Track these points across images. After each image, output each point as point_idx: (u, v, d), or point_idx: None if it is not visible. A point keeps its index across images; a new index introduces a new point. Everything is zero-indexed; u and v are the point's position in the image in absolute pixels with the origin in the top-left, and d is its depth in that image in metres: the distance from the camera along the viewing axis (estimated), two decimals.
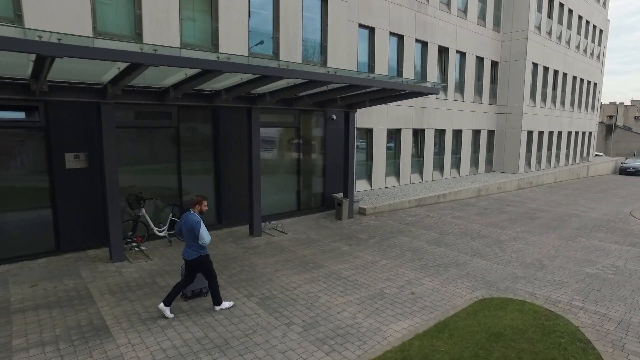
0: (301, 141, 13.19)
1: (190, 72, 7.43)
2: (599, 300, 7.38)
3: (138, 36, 9.61)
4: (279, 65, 7.17)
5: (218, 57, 6.76)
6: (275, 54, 12.23)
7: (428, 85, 10.35)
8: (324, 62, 13.40)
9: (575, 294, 7.68)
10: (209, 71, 6.86)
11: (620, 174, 34.73)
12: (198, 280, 6.91)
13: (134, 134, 10.02)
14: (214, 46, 10.92)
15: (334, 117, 13.53)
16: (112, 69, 6.99)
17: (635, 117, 69.01)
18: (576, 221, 14.28)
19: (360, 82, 8.77)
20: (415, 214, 14.28)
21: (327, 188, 13.95)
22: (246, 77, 8.14)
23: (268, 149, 12.73)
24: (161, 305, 6.41)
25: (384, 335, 5.99)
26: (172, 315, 6.39)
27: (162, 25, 9.85)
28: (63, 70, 7.07)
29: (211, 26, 10.88)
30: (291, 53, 12.39)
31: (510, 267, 9.11)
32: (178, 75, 7.79)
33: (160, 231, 9.89)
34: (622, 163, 35.63)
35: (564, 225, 13.61)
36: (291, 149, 13.10)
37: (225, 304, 6.78)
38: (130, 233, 9.53)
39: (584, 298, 7.48)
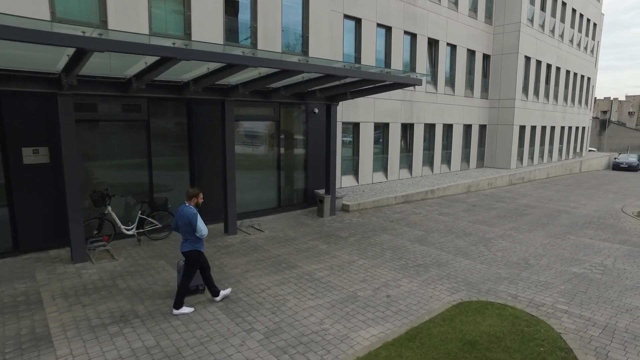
0: (282, 135, 12.71)
1: (150, 60, 6.93)
2: (584, 303, 6.97)
3: (103, 24, 9.07)
4: (243, 52, 6.66)
5: (174, 44, 6.27)
6: (254, 45, 11.71)
7: (410, 76, 9.87)
8: (306, 54, 12.89)
9: (560, 296, 7.26)
10: (166, 59, 6.36)
11: (613, 169, 34.44)
12: (195, 277, 6.67)
13: (101, 128, 9.50)
14: (187, 35, 10.40)
15: (316, 110, 13.04)
16: (63, 57, 6.47)
17: (629, 112, 68.82)
18: (566, 218, 13.89)
19: (336, 72, 8.28)
20: (400, 211, 13.84)
21: (309, 184, 13.48)
22: (213, 66, 7.63)
23: (247, 143, 12.24)
24: (174, 311, 6.22)
25: (351, 343, 5.55)
26: (193, 309, 6.35)
27: (130, 13, 9.32)
28: (15, 57, 6.57)
29: (184, 14, 10.35)
30: (270, 43, 11.88)
31: (494, 267, 8.69)
32: (139, 64, 7.29)
33: (128, 230, 9.40)
34: (615, 158, 35.34)
35: (554, 222, 13.21)
36: (271, 144, 12.61)
37: (185, 309, 6.35)
38: (95, 232, 9.03)
39: (569, 300, 7.06)
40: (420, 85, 10.10)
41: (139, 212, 9.58)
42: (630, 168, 33.46)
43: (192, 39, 10.33)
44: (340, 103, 15.47)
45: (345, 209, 13.32)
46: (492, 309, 6.46)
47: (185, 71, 8.19)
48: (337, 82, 10.00)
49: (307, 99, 11.28)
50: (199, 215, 6.13)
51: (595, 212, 14.95)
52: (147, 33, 9.51)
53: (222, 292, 6.80)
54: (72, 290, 7.04)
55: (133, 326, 5.88)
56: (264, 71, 8.35)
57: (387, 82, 9.94)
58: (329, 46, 13.75)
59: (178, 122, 10.69)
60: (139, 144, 10.00)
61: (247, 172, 12.09)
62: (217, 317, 6.24)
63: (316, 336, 5.72)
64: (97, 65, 7.20)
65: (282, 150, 12.75)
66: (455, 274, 8.21)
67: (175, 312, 6.26)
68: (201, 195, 6.38)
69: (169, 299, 6.76)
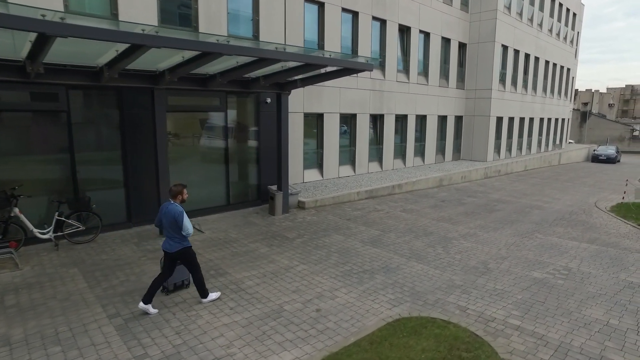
0: (230, 127, 11.69)
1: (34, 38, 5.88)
2: (540, 316, 6.16)
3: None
4: (143, 31, 5.65)
5: (62, 19, 5.24)
6: (195, 28, 10.64)
7: (359, 60, 8.93)
8: (256, 39, 11.85)
9: (515, 307, 6.44)
10: (46, 36, 5.32)
11: (592, 161, 34.08)
12: (179, 273, 6.59)
13: (8, 119, 8.41)
14: (114, 15, 9.30)
15: (269, 100, 12.04)
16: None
17: (609, 104, 68.86)
18: (537, 214, 13.16)
19: (269, 56, 7.32)
20: (362, 208, 12.96)
21: (262, 179, 12.51)
22: (121, 47, 6.60)
23: (190, 136, 11.22)
24: (141, 304, 5.95)
25: None
26: (157, 311, 6.04)
27: None
28: None
29: None
30: (214, 26, 10.82)
31: (448, 273, 7.85)
32: (27, 45, 6.24)
33: (43, 233, 8.36)
34: (594, 150, 34.97)
35: (524, 218, 12.46)
36: (218, 136, 11.58)
37: (212, 295, 6.42)
38: None
39: (524, 313, 6.25)
40: (371, 70, 9.17)
41: (56, 214, 8.52)
42: (609, 160, 33.11)
43: (120, 19, 9.24)
44: (303, 93, 14.53)
45: (301, 206, 12.39)
46: (431, 327, 5.59)
47: (100, 55, 7.16)
48: (279, 69, 9.06)
49: (252, 87, 10.27)
50: (185, 213, 5.93)
51: (568, 208, 14.26)
52: (62, 10, 8.39)
53: (147, 307, 6.21)
54: None
55: None
56: (187, 54, 7.35)
57: (337, 68, 9.00)
58: (285, 32, 12.73)
59: (107, 112, 9.62)
60: (58, 137, 8.92)
61: (190, 168, 11.08)
62: (108, 339, 5.28)
63: None
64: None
65: (230, 143, 11.74)
66: (402, 282, 7.35)
67: (204, 301, 6.33)
68: (185, 191, 6.13)
69: (60, 317, 5.79)
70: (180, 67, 7.85)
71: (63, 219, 8.57)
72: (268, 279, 7.31)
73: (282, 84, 10.76)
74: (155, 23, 9.80)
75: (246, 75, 9.71)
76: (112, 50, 6.76)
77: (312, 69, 8.62)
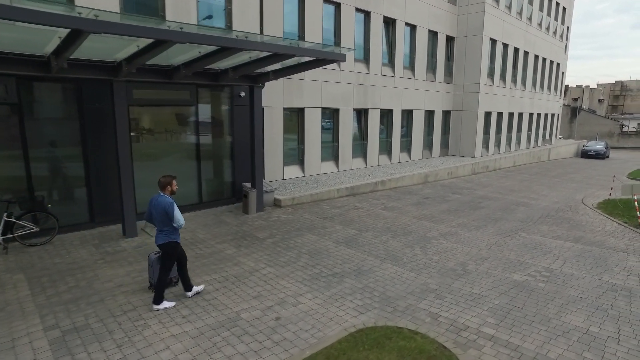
0: (202, 122, 11.14)
1: None
2: (516, 324, 5.72)
3: None
4: (79, 14, 5.10)
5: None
6: (162, 16, 10.07)
7: (330, 50, 8.41)
8: (229, 29, 11.28)
9: (490, 314, 6.00)
10: None
11: (581, 157, 33.85)
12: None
13: None
14: (69, 1, 8.70)
15: (242, 93, 11.49)
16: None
17: (599, 100, 68.85)
18: (523, 211, 12.77)
19: (231, 45, 6.79)
20: (341, 205, 12.49)
21: (237, 176, 11.98)
22: (63, 33, 6.04)
23: (159, 131, 10.66)
24: (154, 307, 5.86)
25: None
26: (174, 303, 6.00)
27: None
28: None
29: None
30: (182, 14, 10.25)
31: (423, 276, 7.40)
32: None
33: None
34: (583, 146, 34.74)
35: (508, 216, 12.06)
36: (188, 132, 11.03)
37: (166, 304, 5.96)
38: None
39: (500, 321, 5.81)
40: (344, 60, 8.66)
41: (5, 215, 7.94)
42: (598, 156, 32.90)
43: (76, 4, 8.64)
44: (282, 86, 14.04)
45: (277, 204, 11.89)
46: (396, 338, 5.13)
47: (47, 42, 6.60)
48: (248, 60, 8.53)
49: (222, 80, 9.72)
50: (175, 204, 5.80)
51: (555, 204, 13.89)
52: None
53: (195, 288, 6.36)
54: None
55: None
56: (142, 43, 6.81)
57: (309, 59, 8.49)
58: (262, 23, 12.17)
59: (66, 106, 9.04)
60: (7, 131, 8.32)
61: (159, 164, 10.53)
62: (38, 356, 4.76)
63: None
64: None
65: (202, 139, 11.19)
66: (373, 286, 6.89)
67: (156, 307, 5.88)
68: (174, 182, 6.00)
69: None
70: (137, 58, 7.30)
71: (13, 219, 8.00)
72: (229, 284, 6.82)
73: (255, 77, 10.23)
74: (117, 10, 9.21)
75: (213, 67, 9.17)
76: (55, 37, 6.20)
77: (282, 59, 8.09)
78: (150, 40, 6.51)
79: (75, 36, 5.72)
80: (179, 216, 5.77)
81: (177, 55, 7.93)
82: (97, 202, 9.53)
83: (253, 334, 5.33)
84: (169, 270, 5.99)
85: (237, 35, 6.74)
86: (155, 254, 6.28)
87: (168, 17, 9.99)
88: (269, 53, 7.80)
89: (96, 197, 9.49)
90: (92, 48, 6.88)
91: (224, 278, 7.03)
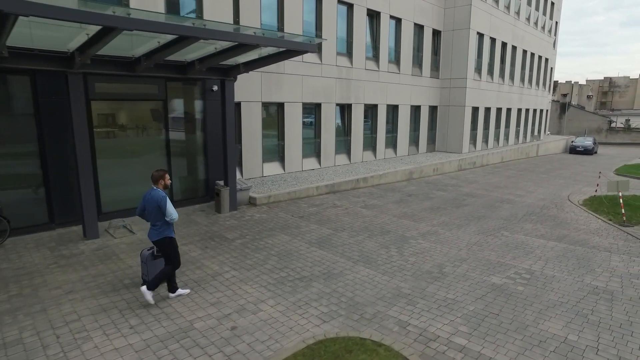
0: (171, 117, 10.63)
1: None
2: (490, 332, 5.33)
3: None
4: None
5: None
6: (125, 5, 9.53)
7: (298, 40, 7.93)
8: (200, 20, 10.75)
9: (464, 321, 5.61)
10: None
11: (570, 152, 33.74)
12: (155, 267, 6.13)
13: None
14: None
15: (215, 87, 10.98)
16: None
17: (587, 96, 69.04)
18: (507, 209, 12.43)
19: (186, 33, 6.30)
20: (319, 203, 12.05)
21: (211, 174, 11.48)
22: None
23: (125, 126, 10.12)
24: (171, 295, 6.03)
25: None
26: (189, 290, 6.23)
27: None
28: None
29: None
30: (148, 3, 9.72)
31: (397, 279, 7.00)
32: None
33: None
34: (572, 142, 34.63)
35: (492, 214, 11.71)
36: (157, 127, 10.51)
37: (181, 291, 6.12)
38: None
39: (473, 329, 5.42)
40: (314, 51, 8.22)
41: None
42: (586, 151, 32.80)
43: None
44: (260, 81, 13.59)
45: (252, 202, 11.43)
46: (357, 351, 4.71)
47: None
48: (213, 51, 8.04)
49: (190, 73, 9.21)
50: (168, 198, 5.76)
51: (540, 201, 13.57)
52: None
53: (180, 291, 6.18)
54: None
55: None
56: (91, 30, 6.30)
57: (277, 50, 8.02)
58: (238, 14, 11.65)
59: (18, 100, 8.47)
60: None
61: (125, 162, 10.02)
62: None
63: None
64: None
65: (173, 135, 10.68)
66: (342, 291, 6.47)
67: (172, 295, 6.04)
68: (167, 176, 5.94)
69: None
70: (89, 47, 6.78)
71: None
72: (188, 289, 6.36)
73: (226, 70, 9.74)
74: None
75: (180, 59, 8.68)
76: None
77: (247, 49, 7.61)
78: (97, 28, 6.00)
79: (3, 20, 5.19)
80: (171, 210, 5.73)
81: (137, 46, 7.43)
82: (57, 202, 9.01)
83: (204, 346, 4.89)
84: (175, 263, 5.95)
85: (193, 23, 6.25)
86: (149, 250, 6.18)
87: (133, 4, 9.46)
88: (234, 43, 7.33)
89: (56, 196, 8.96)
90: (39, 36, 6.37)
91: (183, 283, 6.56)
